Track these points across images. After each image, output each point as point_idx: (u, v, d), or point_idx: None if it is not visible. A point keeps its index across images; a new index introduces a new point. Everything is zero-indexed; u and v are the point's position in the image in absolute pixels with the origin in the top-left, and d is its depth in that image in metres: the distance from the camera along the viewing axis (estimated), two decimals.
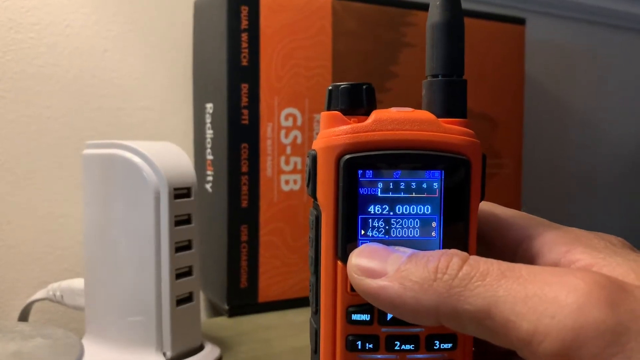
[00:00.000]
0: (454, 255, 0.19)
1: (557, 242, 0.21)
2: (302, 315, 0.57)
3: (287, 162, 0.58)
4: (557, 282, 0.17)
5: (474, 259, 0.19)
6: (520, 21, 0.75)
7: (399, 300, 0.19)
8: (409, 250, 0.20)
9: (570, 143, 1.01)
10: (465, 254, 0.19)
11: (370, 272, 0.20)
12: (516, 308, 0.17)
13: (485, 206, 0.24)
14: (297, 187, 0.59)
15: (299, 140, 0.59)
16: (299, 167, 0.59)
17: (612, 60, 1.04)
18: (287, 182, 0.58)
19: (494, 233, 0.23)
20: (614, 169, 1.07)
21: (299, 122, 0.58)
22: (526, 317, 0.17)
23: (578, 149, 1.02)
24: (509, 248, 0.23)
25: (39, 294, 0.50)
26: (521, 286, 0.17)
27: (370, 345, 0.21)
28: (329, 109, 0.22)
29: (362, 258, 0.20)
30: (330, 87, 0.22)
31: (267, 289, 0.58)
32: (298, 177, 0.59)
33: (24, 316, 0.51)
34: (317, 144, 0.22)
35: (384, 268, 0.20)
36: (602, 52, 1.02)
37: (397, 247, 0.21)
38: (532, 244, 0.22)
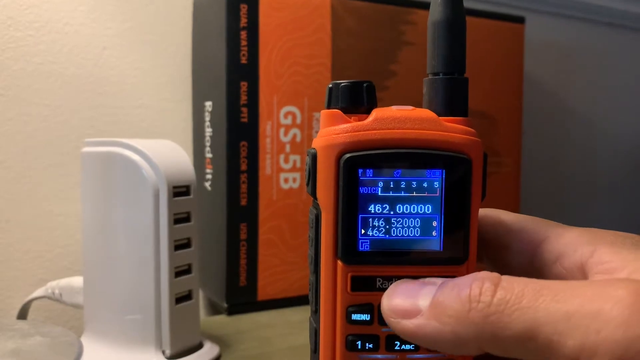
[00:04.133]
0: (485, 280, 0.18)
1: (579, 242, 0.20)
2: (301, 314, 0.57)
3: (286, 161, 0.58)
4: (597, 295, 0.16)
5: (507, 280, 0.18)
6: (520, 20, 0.75)
7: (439, 336, 0.19)
8: (438, 281, 0.20)
9: (570, 141, 1.01)
10: (496, 275, 0.18)
11: (405, 313, 0.19)
12: (559, 327, 0.16)
13: (490, 212, 0.24)
14: (296, 185, 0.59)
15: (298, 139, 0.58)
16: (298, 165, 0.59)
17: (612, 58, 1.04)
18: (286, 180, 0.58)
19: (505, 238, 0.23)
20: (613, 168, 1.07)
21: (298, 121, 0.58)
22: (571, 335, 0.16)
23: (577, 147, 1.02)
24: (526, 252, 0.22)
25: (38, 292, 0.50)
26: (560, 304, 0.17)
27: (371, 345, 0.21)
28: (329, 107, 0.22)
29: (393, 299, 0.20)
30: (330, 85, 0.22)
31: (266, 287, 0.58)
32: (297, 175, 0.59)
33: (22, 314, 0.51)
34: (317, 143, 0.22)
35: (417, 305, 0.19)
36: (601, 51, 1.02)
37: (425, 280, 0.20)
38: (552, 246, 0.21)
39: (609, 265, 0.19)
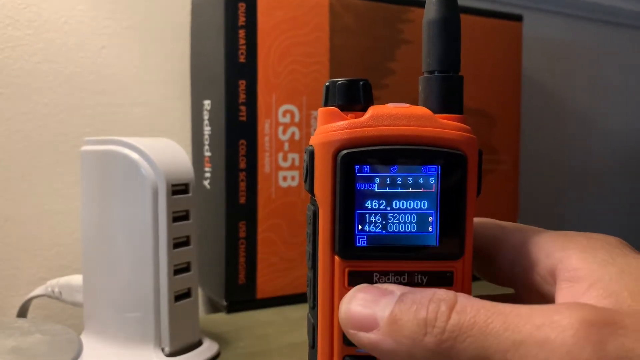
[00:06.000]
0: (441, 302, 0.19)
1: (553, 248, 0.21)
2: (300, 311, 0.58)
3: (284, 159, 0.58)
4: (545, 323, 0.17)
5: (461, 303, 0.18)
6: (517, 18, 0.75)
7: (395, 355, 0.19)
8: (398, 290, 0.20)
9: (568, 139, 1.01)
10: (452, 297, 0.19)
11: (362, 325, 0.20)
12: (507, 356, 0.17)
13: (489, 221, 0.24)
14: (295, 183, 0.59)
15: (296, 137, 0.59)
16: (296, 163, 0.59)
17: (609, 56, 1.04)
18: (284, 178, 0.58)
19: (491, 246, 0.23)
20: (611, 165, 1.07)
21: (296, 119, 0.59)
22: None
23: (575, 145, 1.02)
24: (507, 259, 0.23)
25: (38, 291, 0.50)
26: (509, 332, 0.17)
27: None
28: (326, 105, 0.22)
29: (352, 306, 0.20)
30: (327, 83, 0.22)
31: (265, 285, 0.58)
32: (296, 173, 0.59)
33: (22, 312, 0.52)
34: (315, 140, 0.22)
35: (374, 317, 0.19)
36: (598, 49, 1.03)
37: (385, 288, 0.20)
38: (529, 252, 0.22)
39: (575, 273, 0.19)
